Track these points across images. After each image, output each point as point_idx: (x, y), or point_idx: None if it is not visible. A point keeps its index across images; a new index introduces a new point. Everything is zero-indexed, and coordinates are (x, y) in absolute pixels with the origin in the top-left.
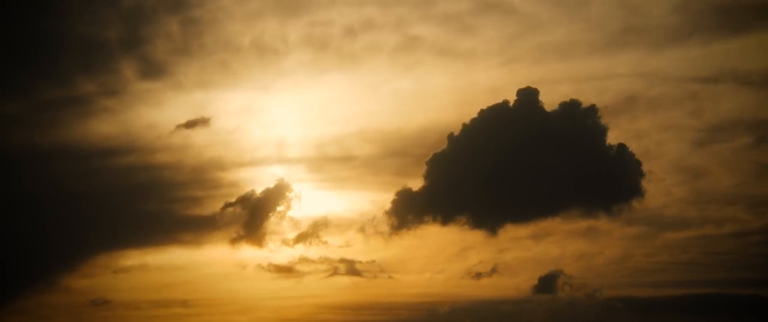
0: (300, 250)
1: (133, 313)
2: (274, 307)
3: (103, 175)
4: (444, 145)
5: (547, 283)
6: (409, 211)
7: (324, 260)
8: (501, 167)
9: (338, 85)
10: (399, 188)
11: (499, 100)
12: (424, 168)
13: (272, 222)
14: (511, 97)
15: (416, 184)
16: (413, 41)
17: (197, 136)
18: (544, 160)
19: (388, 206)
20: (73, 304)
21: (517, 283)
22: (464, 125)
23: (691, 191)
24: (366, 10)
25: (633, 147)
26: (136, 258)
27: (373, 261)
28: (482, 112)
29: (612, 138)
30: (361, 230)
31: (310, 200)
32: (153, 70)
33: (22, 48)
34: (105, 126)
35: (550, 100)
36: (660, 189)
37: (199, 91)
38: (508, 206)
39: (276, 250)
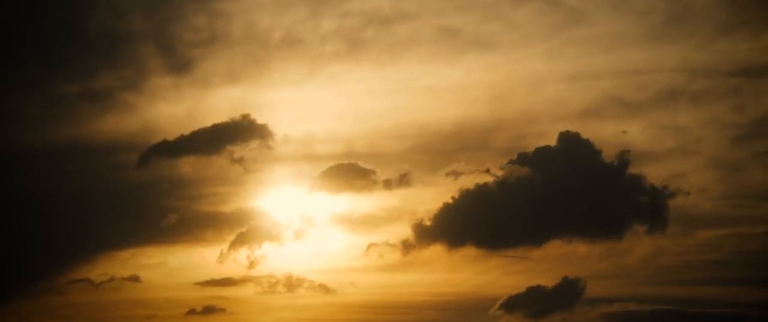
0: None
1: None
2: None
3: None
4: (478, 142)
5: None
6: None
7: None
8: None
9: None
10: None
11: (538, 97)
12: (453, 166)
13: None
14: (550, 93)
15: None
16: (451, 33)
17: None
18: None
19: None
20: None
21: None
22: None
23: (728, 187)
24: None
25: (670, 144)
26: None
27: None
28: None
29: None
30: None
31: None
32: (178, 64)
33: (36, 40)
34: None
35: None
36: (695, 186)
37: (227, 85)
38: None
39: None
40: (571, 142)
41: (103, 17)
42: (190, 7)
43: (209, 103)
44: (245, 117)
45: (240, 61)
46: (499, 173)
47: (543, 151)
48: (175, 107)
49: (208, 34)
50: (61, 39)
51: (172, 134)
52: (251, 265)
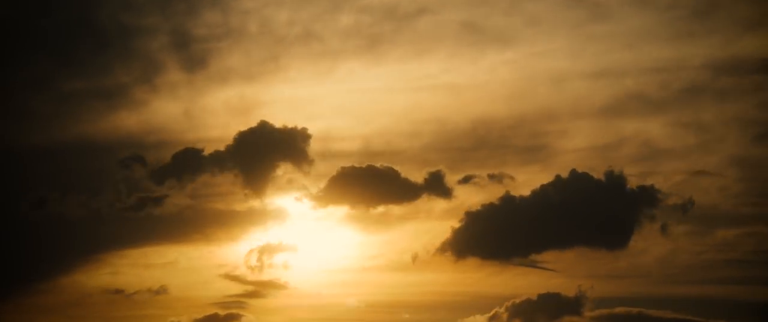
0: None
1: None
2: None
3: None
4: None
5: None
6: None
7: None
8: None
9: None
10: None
11: (560, 94)
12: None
13: None
14: (571, 91)
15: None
16: (471, 29)
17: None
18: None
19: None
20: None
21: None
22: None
23: (749, 186)
24: None
25: (691, 141)
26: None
27: None
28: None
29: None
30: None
31: None
32: (193, 60)
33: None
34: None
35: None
36: (715, 185)
37: (243, 82)
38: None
39: None
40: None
41: (114, 12)
42: (205, 2)
43: (223, 99)
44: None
45: (256, 57)
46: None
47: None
48: (188, 104)
49: (223, 29)
50: (70, 35)
51: (183, 132)
52: (264, 267)
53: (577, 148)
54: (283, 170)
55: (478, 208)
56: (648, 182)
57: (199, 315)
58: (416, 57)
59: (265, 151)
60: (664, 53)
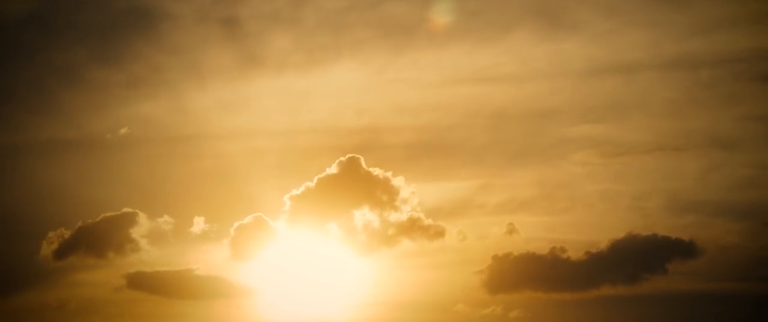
0: None
1: None
2: None
3: None
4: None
5: None
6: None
7: None
8: None
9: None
10: None
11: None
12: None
13: None
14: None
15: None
16: (545, 15)
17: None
18: None
19: None
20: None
21: None
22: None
23: None
24: None
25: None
26: None
27: None
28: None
29: None
30: None
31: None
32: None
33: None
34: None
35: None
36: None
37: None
38: None
39: None
40: None
41: None
42: None
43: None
44: None
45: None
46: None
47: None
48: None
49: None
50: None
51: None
52: None
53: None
54: None
55: None
56: None
57: None
58: (486, 45)
59: None
60: (739, 44)
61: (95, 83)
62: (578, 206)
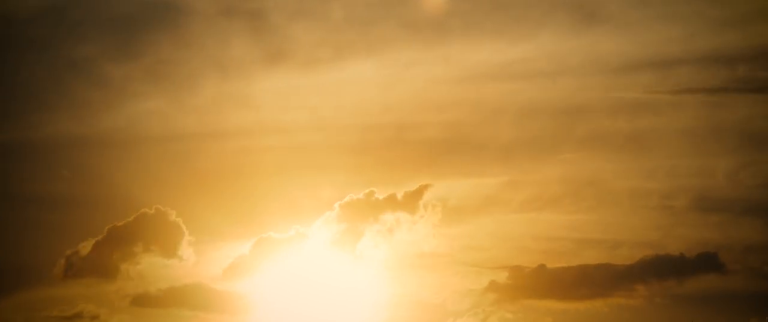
0: None
1: None
2: None
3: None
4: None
5: None
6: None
7: None
8: None
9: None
10: None
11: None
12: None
13: None
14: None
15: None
16: (582, 9)
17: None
18: None
19: None
20: None
21: None
22: None
23: None
24: None
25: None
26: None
27: None
28: None
29: None
30: None
31: None
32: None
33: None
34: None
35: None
36: None
37: (314, 66)
38: None
39: None
40: None
41: None
42: None
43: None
44: None
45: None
46: None
47: None
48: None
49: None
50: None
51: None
52: None
53: None
54: None
55: None
56: None
57: None
58: (522, 38)
59: None
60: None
61: (111, 79)
62: (605, 204)
